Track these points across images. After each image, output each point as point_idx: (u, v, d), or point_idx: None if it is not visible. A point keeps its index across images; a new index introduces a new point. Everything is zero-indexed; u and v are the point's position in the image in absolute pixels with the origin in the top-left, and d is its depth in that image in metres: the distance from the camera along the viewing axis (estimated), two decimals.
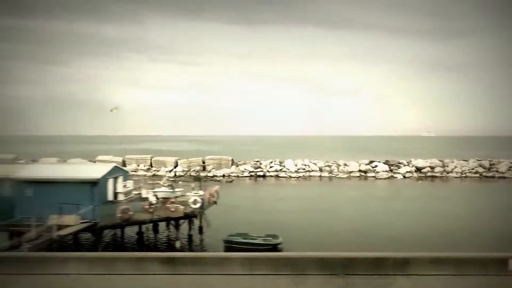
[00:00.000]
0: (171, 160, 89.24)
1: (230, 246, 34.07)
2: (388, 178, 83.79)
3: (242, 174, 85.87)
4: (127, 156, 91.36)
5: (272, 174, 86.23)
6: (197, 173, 76.37)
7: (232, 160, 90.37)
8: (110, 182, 33.37)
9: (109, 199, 33.13)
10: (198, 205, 34.87)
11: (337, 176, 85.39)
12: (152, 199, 34.78)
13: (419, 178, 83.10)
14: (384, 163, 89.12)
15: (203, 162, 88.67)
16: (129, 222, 32.61)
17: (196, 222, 38.00)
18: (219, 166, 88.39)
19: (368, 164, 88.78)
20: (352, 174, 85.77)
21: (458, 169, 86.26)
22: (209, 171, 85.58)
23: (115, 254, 7.40)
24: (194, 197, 35.64)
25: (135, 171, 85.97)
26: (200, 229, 38.41)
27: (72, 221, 29.61)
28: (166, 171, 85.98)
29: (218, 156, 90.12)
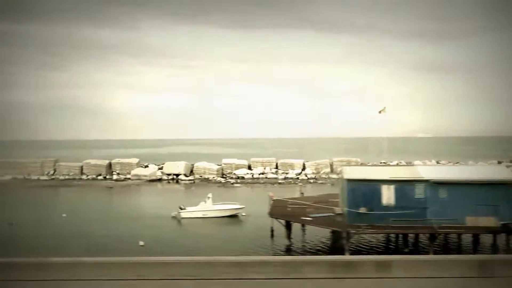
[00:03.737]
0: (299, 162, 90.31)
1: None
2: None
3: None
4: (252, 159, 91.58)
5: None
6: None
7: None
8: None
9: None
10: None
11: None
12: None
13: None
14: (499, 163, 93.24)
15: (331, 164, 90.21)
16: None
17: None
18: None
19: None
20: None
21: None
22: (339, 173, 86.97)
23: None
24: None
25: (263, 174, 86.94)
26: None
27: (489, 223, 30.41)
28: (296, 174, 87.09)
29: (346, 158, 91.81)
